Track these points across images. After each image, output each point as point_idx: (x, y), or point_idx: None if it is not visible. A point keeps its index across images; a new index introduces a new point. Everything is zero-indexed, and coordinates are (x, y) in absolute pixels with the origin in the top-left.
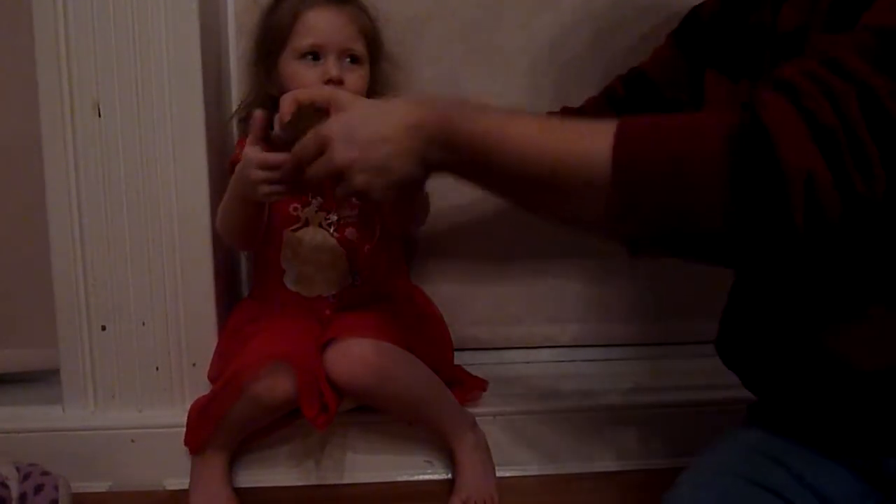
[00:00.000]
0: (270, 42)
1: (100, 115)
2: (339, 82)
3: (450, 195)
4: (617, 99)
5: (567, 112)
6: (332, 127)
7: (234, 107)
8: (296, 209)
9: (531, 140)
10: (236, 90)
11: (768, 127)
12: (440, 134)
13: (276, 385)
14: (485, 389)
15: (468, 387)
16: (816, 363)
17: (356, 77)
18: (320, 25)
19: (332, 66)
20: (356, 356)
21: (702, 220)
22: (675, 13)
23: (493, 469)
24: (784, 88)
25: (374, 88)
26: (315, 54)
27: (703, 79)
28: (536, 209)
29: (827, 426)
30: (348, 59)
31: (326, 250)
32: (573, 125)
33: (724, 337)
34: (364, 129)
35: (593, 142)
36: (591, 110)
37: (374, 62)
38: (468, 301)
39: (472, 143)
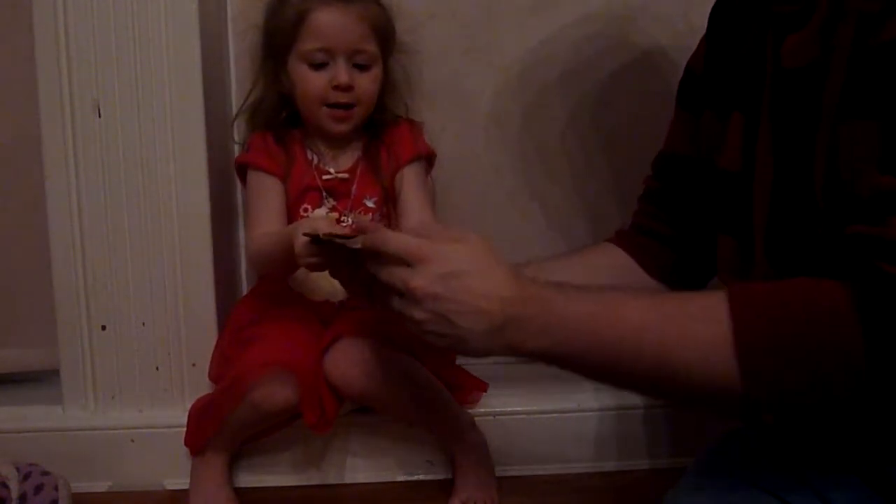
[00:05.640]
0: (277, 42)
1: (100, 115)
2: (348, 89)
3: (451, 192)
4: (657, 193)
5: (623, 236)
6: (438, 253)
7: (234, 107)
8: (306, 210)
9: (646, 326)
10: (236, 90)
11: None
12: (534, 314)
13: (277, 392)
14: (485, 391)
15: (469, 388)
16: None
17: (367, 80)
18: (328, 27)
19: (341, 72)
20: (354, 360)
21: (841, 405)
22: (670, 13)
23: (493, 469)
24: None
25: (390, 82)
26: (323, 58)
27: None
28: (639, 390)
29: (830, 440)
30: (359, 62)
31: None
32: (686, 311)
33: None
34: (464, 278)
35: (716, 350)
36: (643, 220)
37: (387, 56)
38: None
39: (574, 326)
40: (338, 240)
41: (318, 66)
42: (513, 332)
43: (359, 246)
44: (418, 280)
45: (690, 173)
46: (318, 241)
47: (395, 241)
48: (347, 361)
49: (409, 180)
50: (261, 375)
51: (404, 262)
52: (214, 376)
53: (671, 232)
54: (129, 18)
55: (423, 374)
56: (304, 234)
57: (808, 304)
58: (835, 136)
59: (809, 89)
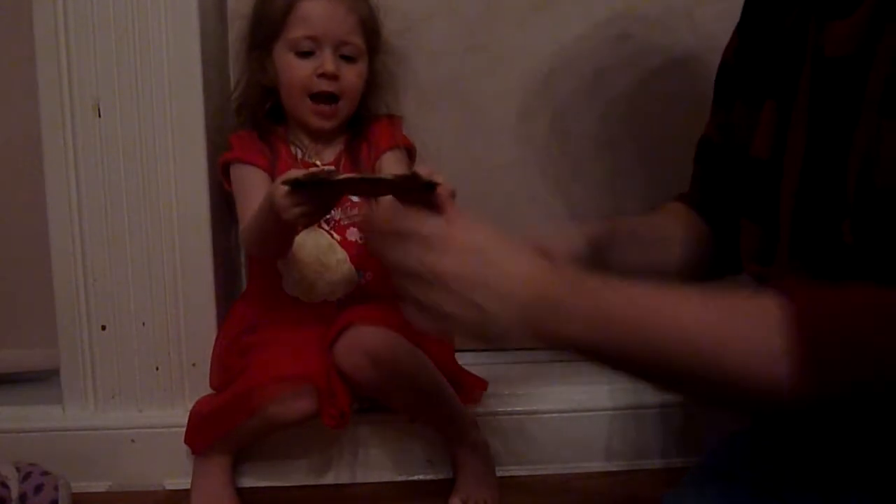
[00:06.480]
0: (264, 31)
1: (100, 115)
2: (333, 78)
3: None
4: (697, 176)
5: (686, 199)
6: (459, 228)
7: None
8: None
9: (699, 323)
10: None
11: None
12: (573, 301)
13: (295, 406)
14: (485, 389)
15: (469, 388)
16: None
17: (352, 72)
18: (316, 16)
19: (327, 61)
20: (363, 347)
21: None
22: (669, 15)
23: (494, 469)
24: None
25: (374, 82)
26: (310, 47)
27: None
28: (675, 389)
29: (835, 450)
30: (345, 54)
31: (328, 253)
32: (736, 309)
33: None
34: (490, 254)
35: (773, 355)
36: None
37: (372, 55)
38: None
39: (620, 316)
40: (318, 176)
41: (305, 55)
42: (546, 319)
43: (341, 177)
44: (437, 257)
45: (723, 162)
46: (297, 186)
47: (410, 216)
48: (357, 349)
49: (388, 165)
50: (276, 392)
51: (420, 239)
52: (216, 384)
53: (708, 215)
54: (129, 18)
55: (430, 366)
56: (283, 184)
57: (878, 309)
58: (876, 131)
59: (851, 80)
